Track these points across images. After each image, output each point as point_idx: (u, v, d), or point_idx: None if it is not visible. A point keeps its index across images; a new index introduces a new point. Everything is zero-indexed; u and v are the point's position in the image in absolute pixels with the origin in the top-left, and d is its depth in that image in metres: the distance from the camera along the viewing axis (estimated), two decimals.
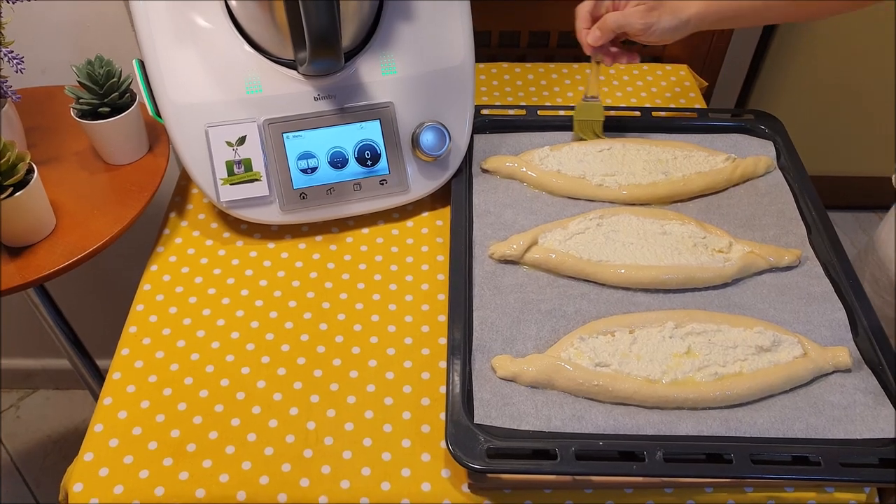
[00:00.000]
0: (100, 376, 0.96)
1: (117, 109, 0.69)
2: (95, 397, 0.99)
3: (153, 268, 0.69)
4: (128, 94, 0.70)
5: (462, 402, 0.55)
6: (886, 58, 1.47)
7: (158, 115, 0.67)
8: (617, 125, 0.80)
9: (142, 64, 0.67)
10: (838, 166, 1.70)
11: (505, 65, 0.95)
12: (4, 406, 1.41)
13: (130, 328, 0.64)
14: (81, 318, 1.04)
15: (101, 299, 1.20)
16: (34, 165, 0.62)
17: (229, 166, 0.67)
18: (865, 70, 1.49)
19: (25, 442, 1.37)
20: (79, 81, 0.67)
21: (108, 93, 0.67)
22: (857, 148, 1.66)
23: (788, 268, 0.68)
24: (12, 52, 0.64)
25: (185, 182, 0.77)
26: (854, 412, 0.57)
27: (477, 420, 0.55)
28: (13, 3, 0.65)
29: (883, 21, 1.40)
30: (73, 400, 1.43)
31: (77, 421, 1.39)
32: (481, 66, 0.94)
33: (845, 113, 1.57)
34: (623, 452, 0.54)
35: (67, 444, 1.36)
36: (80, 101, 0.68)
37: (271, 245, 0.71)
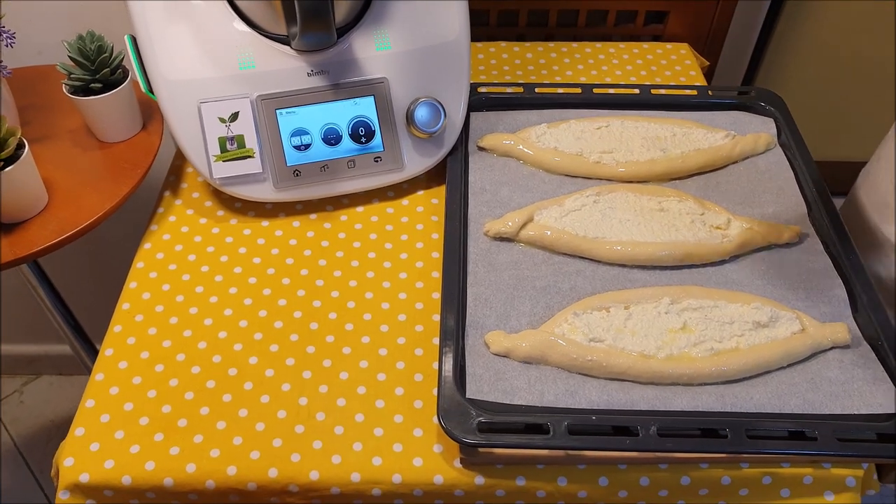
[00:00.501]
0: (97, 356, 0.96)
1: (109, 86, 0.69)
2: None
3: (146, 245, 0.68)
4: (120, 71, 0.70)
5: (454, 377, 0.55)
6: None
7: (151, 91, 0.66)
8: (615, 102, 0.80)
9: (134, 40, 0.66)
10: (845, 151, 1.68)
11: (503, 44, 0.94)
12: (8, 391, 1.42)
13: (123, 305, 0.64)
14: (81, 302, 1.04)
15: (100, 282, 1.20)
16: (25, 141, 0.62)
17: (222, 143, 0.67)
18: (873, 53, 1.47)
19: (29, 427, 1.37)
20: (70, 57, 0.67)
21: (99, 68, 0.67)
22: (865, 133, 1.64)
23: (788, 245, 0.67)
24: (3, 26, 0.64)
25: (179, 161, 0.77)
26: (852, 388, 0.56)
27: (469, 395, 0.55)
28: None
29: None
30: (75, 385, 1.43)
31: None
32: (479, 45, 0.93)
33: (853, 97, 1.55)
34: (616, 427, 0.53)
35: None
36: (72, 76, 0.67)
37: (265, 223, 0.70)
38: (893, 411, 0.54)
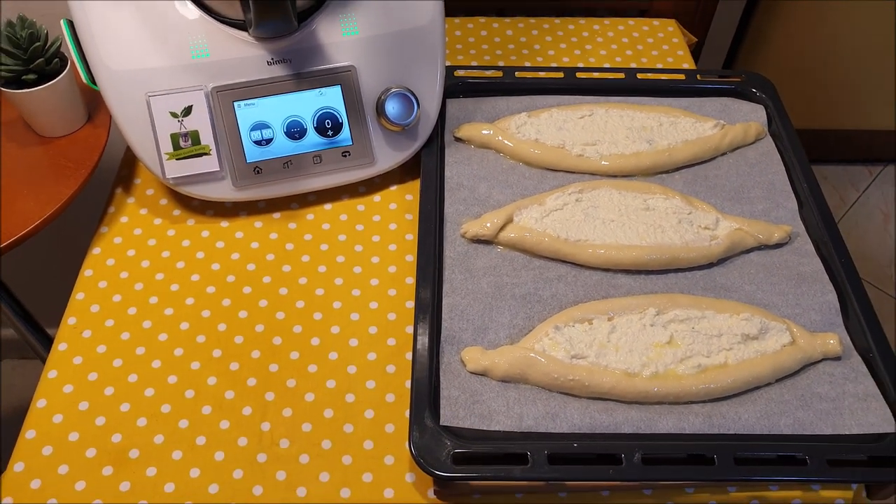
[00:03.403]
0: (50, 344, 0.92)
1: (46, 77, 0.62)
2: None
3: (96, 251, 0.63)
4: (56, 60, 0.63)
5: (428, 401, 0.51)
6: (884, 10, 1.42)
7: (93, 82, 0.60)
8: (600, 87, 0.75)
9: (71, 24, 0.60)
10: (828, 121, 1.66)
11: (482, 20, 0.88)
12: None
13: (69, 319, 0.59)
14: (32, 288, 0.99)
15: (52, 266, 1.15)
16: None
17: (175, 139, 0.61)
18: (860, 22, 1.45)
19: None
20: None
21: (32, 58, 0.60)
22: (848, 101, 1.63)
23: (778, 245, 0.64)
24: None
25: (132, 154, 0.71)
26: (843, 405, 0.54)
27: (443, 421, 0.51)
28: None
29: None
30: (39, 369, 1.38)
31: None
32: (456, 20, 0.87)
33: (835, 65, 1.53)
34: (600, 455, 0.50)
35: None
36: (2, 67, 0.61)
37: (224, 223, 0.66)
38: (884, 431, 0.52)
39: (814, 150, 1.72)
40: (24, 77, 0.61)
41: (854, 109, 1.64)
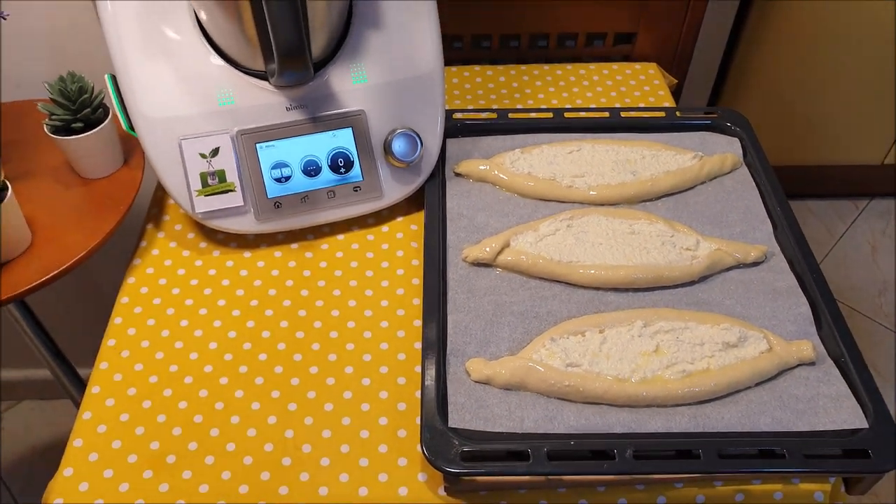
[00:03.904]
0: (82, 385, 0.97)
1: (90, 124, 0.70)
2: (77, 406, 0.99)
3: (130, 280, 0.69)
4: (101, 109, 0.70)
5: (437, 406, 0.57)
6: (859, 48, 1.49)
7: (132, 129, 0.67)
8: (587, 125, 0.82)
9: (114, 79, 0.67)
10: (813, 156, 1.73)
11: (477, 67, 0.95)
12: None
13: (109, 341, 0.64)
14: (63, 328, 1.04)
15: (83, 309, 1.20)
16: (8, 183, 0.62)
17: (203, 178, 0.68)
18: (837, 61, 1.52)
19: (11, 453, 1.36)
20: (51, 98, 0.68)
21: (80, 108, 0.68)
22: (831, 137, 1.69)
23: (755, 263, 0.70)
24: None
25: (161, 193, 0.78)
26: (818, 405, 0.59)
27: (451, 424, 0.56)
28: None
29: (855, 13, 1.42)
30: (57, 410, 1.43)
31: (62, 431, 1.39)
32: (453, 69, 0.95)
33: (818, 104, 1.60)
34: (594, 451, 0.55)
35: (52, 454, 1.35)
36: (53, 117, 0.68)
37: (247, 254, 0.72)
38: (856, 427, 0.57)
39: (800, 186, 1.79)
40: (72, 125, 0.69)
41: (837, 145, 1.70)
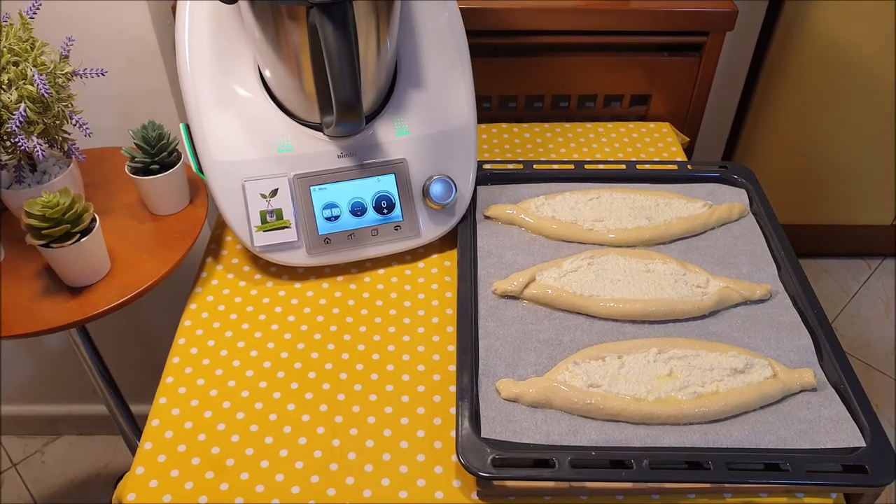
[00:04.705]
0: (132, 418, 1.03)
1: (165, 167, 0.79)
2: (128, 440, 1.06)
3: (192, 306, 0.77)
4: (175, 154, 0.80)
5: (471, 419, 0.63)
6: (868, 111, 1.56)
7: (201, 171, 0.76)
8: (605, 176, 0.90)
9: (188, 127, 0.77)
10: (827, 216, 1.78)
11: (504, 125, 1.05)
12: (30, 452, 1.47)
13: (174, 359, 0.72)
14: (115, 365, 1.11)
15: (136, 346, 1.28)
16: (97, 216, 0.71)
17: (263, 215, 0.76)
18: (848, 123, 1.58)
19: (49, 486, 1.42)
20: (135, 143, 0.77)
21: (158, 152, 0.77)
22: (843, 198, 1.75)
23: (760, 301, 0.76)
24: (82, 118, 0.74)
25: (219, 231, 0.86)
26: (819, 426, 0.64)
27: (484, 435, 0.62)
28: (83, 77, 0.75)
29: (864, 77, 1.49)
30: (95, 445, 1.48)
31: (99, 465, 1.45)
32: (483, 126, 1.04)
33: (829, 165, 1.65)
34: (613, 461, 0.61)
35: (90, 489, 1.42)
36: (135, 159, 0.78)
37: (298, 285, 0.79)
38: (855, 445, 0.62)
39: (813, 245, 1.84)
40: (150, 167, 0.78)
41: (848, 205, 1.75)
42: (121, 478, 0.64)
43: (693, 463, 0.60)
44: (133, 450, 1.05)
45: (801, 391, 0.67)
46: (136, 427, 1.03)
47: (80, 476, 1.43)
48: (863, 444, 0.62)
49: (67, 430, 1.50)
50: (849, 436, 0.63)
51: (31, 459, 1.46)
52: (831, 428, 0.64)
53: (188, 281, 0.80)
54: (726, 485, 0.61)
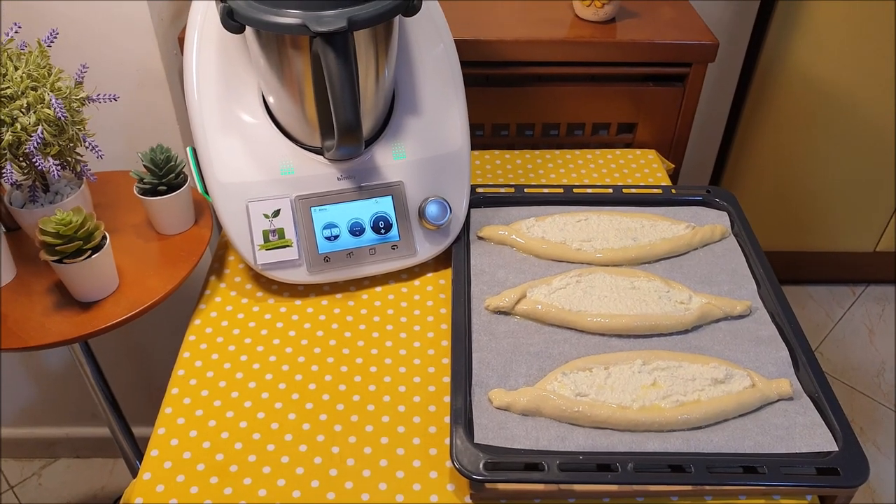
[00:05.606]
0: (133, 439, 1.05)
1: (172, 188, 0.83)
2: (128, 461, 1.07)
3: (196, 322, 0.80)
4: (181, 176, 0.84)
5: (464, 426, 0.66)
6: (851, 141, 1.60)
7: (206, 192, 0.80)
8: (593, 199, 0.94)
9: (194, 151, 0.81)
10: (812, 242, 1.82)
11: (496, 152, 1.09)
12: (27, 474, 1.48)
13: (179, 371, 0.75)
14: (115, 389, 1.13)
15: (136, 370, 1.30)
16: (107, 233, 0.75)
17: (265, 235, 0.80)
18: (829, 153, 1.63)
19: None
20: (144, 165, 0.81)
21: (166, 174, 0.81)
22: (828, 226, 1.79)
23: (740, 316, 0.79)
24: (94, 141, 0.78)
25: (222, 251, 0.90)
26: (794, 432, 0.67)
27: (477, 441, 0.65)
28: (96, 102, 0.79)
29: (848, 107, 1.55)
30: (92, 468, 1.50)
31: (96, 488, 1.46)
32: (476, 153, 1.08)
33: (813, 193, 1.70)
34: (600, 465, 0.64)
35: None
36: (143, 181, 0.81)
37: (298, 302, 0.83)
38: (829, 450, 0.65)
39: (797, 272, 1.88)
40: (157, 188, 0.82)
41: (833, 232, 1.79)
42: (117, 500, 0.67)
43: (675, 466, 0.64)
44: (133, 471, 1.07)
45: (778, 400, 0.70)
46: (137, 448, 1.05)
47: (76, 499, 1.44)
48: (835, 448, 0.65)
49: (65, 453, 1.51)
50: (822, 441, 0.66)
51: (28, 482, 1.47)
52: (806, 433, 0.67)
53: (187, 304, 0.84)
54: (707, 487, 0.64)
